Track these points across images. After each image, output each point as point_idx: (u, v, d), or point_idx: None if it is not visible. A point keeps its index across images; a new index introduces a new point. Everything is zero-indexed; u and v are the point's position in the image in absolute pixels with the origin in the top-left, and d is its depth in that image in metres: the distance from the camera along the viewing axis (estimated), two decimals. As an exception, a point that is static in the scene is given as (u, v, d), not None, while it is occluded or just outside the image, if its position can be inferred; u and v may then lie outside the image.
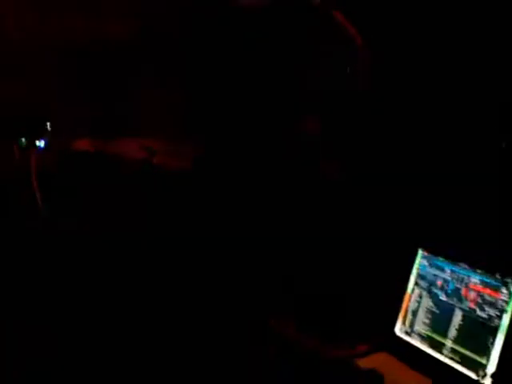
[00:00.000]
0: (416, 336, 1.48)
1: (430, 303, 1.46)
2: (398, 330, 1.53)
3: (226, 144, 0.68)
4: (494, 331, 1.28)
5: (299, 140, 0.71)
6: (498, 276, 1.31)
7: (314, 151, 0.73)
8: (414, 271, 1.52)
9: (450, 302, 1.40)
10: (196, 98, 0.73)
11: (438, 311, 1.43)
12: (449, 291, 1.41)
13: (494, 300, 1.30)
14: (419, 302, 1.49)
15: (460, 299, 1.38)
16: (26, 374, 1.07)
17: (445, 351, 1.38)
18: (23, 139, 1.78)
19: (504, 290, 1.29)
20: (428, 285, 1.47)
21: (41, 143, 1.85)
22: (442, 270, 1.44)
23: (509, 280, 1.28)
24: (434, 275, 1.46)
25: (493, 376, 1.25)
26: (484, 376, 1.26)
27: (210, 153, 0.71)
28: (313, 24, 0.73)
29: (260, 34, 0.67)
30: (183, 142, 0.73)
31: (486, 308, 1.31)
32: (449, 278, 1.42)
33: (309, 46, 0.71)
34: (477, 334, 1.32)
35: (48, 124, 1.90)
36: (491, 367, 1.26)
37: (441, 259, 1.46)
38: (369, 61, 0.81)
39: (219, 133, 0.69)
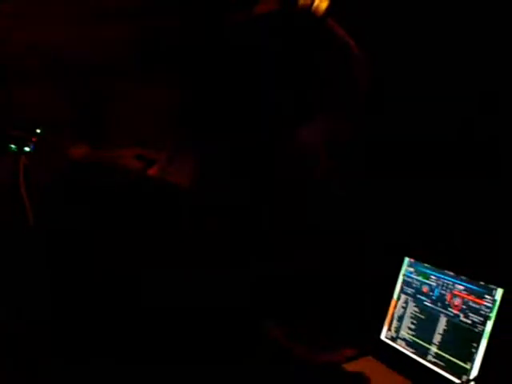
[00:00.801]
0: (401, 341, 1.50)
1: (416, 309, 1.49)
2: (384, 335, 1.56)
3: (230, 157, 0.69)
4: (478, 337, 1.31)
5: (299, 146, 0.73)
6: (482, 283, 1.34)
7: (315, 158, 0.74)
8: (400, 278, 1.55)
9: (435, 308, 1.43)
10: (198, 103, 0.74)
11: (423, 317, 1.46)
12: (434, 297, 1.45)
13: (478, 307, 1.33)
14: (405, 308, 1.52)
15: (445, 305, 1.41)
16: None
17: (429, 356, 1.41)
18: (13, 145, 1.77)
19: (488, 297, 1.32)
20: (414, 291, 1.50)
21: (29, 148, 1.85)
22: (428, 276, 1.48)
23: (493, 287, 1.32)
24: (420, 282, 1.49)
25: (475, 380, 1.28)
26: (468, 381, 1.29)
27: (212, 169, 0.72)
28: (313, 34, 0.75)
29: (268, 42, 0.69)
30: (183, 154, 0.73)
31: (470, 314, 1.34)
32: (434, 285, 1.45)
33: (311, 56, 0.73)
34: (461, 340, 1.35)
35: (38, 129, 1.90)
36: (474, 372, 1.29)
37: (426, 266, 1.49)
38: (364, 64, 0.83)
39: (223, 144, 0.70)
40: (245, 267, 0.74)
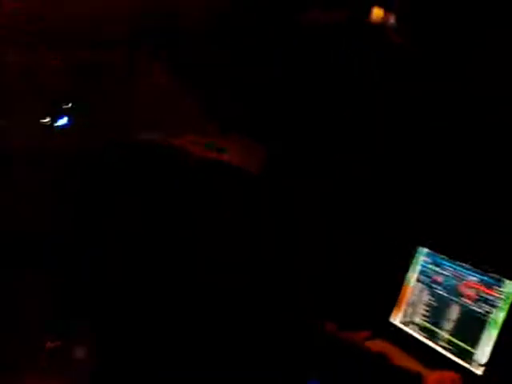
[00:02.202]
0: (414, 326, 1.59)
1: (430, 297, 1.58)
2: (398, 320, 1.65)
3: (301, 145, 0.76)
4: (488, 325, 1.40)
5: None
6: (495, 275, 1.43)
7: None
8: (417, 268, 1.64)
9: (449, 296, 1.52)
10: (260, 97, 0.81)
11: (436, 305, 1.55)
12: (447, 287, 1.53)
13: (490, 297, 1.42)
14: (419, 296, 1.61)
15: (458, 295, 1.50)
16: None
17: (441, 342, 1.50)
18: (47, 117, 1.83)
19: (499, 288, 1.41)
20: (429, 280, 1.59)
21: (63, 121, 1.90)
22: (443, 267, 1.56)
23: (506, 279, 1.40)
24: (435, 272, 1.58)
25: (485, 366, 1.37)
26: (477, 366, 1.39)
27: (285, 154, 0.78)
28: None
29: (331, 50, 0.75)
30: (252, 141, 0.79)
31: (483, 304, 1.43)
32: (448, 275, 1.54)
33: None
34: (472, 328, 1.44)
35: (70, 104, 1.95)
36: (483, 358, 1.38)
37: (442, 257, 1.57)
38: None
39: (293, 133, 0.77)
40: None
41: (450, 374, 1.32)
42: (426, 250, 1.63)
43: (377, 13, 0.80)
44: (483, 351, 1.39)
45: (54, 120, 1.89)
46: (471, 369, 1.39)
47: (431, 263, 1.60)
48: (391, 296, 1.69)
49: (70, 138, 1.74)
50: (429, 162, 1.66)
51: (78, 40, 1.80)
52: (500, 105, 1.37)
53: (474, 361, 1.40)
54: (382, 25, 0.78)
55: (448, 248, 1.57)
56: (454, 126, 1.62)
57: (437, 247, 1.60)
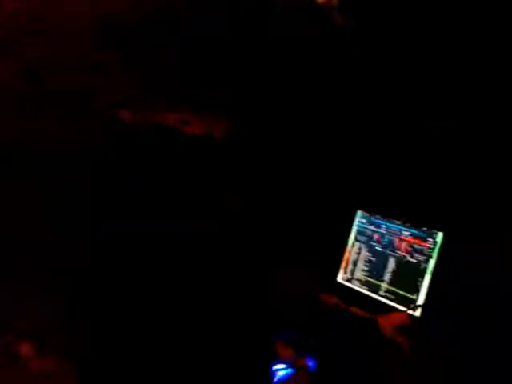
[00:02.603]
0: (356, 282, 1.77)
1: (368, 254, 1.76)
2: (340, 277, 1.82)
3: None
4: (423, 273, 1.60)
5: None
6: (424, 229, 1.62)
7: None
8: (354, 229, 1.81)
9: (386, 251, 1.71)
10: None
11: (374, 260, 1.74)
12: (384, 243, 1.72)
13: (422, 248, 1.62)
14: (358, 254, 1.78)
15: (393, 249, 1.69)
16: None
17: (381, 292, 1.69)
18: None
19: (430, 239, 1.61)
20: (366, 239, 1.77)
21: None
22: (379, 226, 1.74)
23: (434, 232, 1.60)
24: (372, 231, 1.76)
25: (421, 307, 1.57)
26: (415, 308, 1.58)
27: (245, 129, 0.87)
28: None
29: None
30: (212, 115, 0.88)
31: (416, 255, 1.63)
32: (384, 233, 1.72)
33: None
34: (408, 276, 1.63)
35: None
36: (420, 301, 1.58)
37: (377, 217, 1.75)
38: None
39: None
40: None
41: (398, 315, 1.51)
42: (362, 212, 1.80)
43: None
44: (420, 296, 1.59)
45: None
46: (411, 312, 1.59)
47: (368, 223, 1.77)
48: (337, 258, 1.86)
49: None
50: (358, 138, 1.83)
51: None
52: (442, 80, 1.54)
53: (413, 305, 1.59)
54: (325, 6, 0.89)
55: (382, 209, 1.75)
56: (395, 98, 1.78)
57: (372, 209, 1.77)
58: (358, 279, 1.77)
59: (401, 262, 1.66)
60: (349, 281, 1.80)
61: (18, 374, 1.37)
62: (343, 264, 1.82)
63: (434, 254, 1.59)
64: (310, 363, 1.40)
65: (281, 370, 1.35)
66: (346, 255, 1.82)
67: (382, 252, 1.72)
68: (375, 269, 1.73)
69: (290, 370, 1.36)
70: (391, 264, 1.69)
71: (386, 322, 1.40)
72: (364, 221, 1.79)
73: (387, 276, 1.69)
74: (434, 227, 1.61)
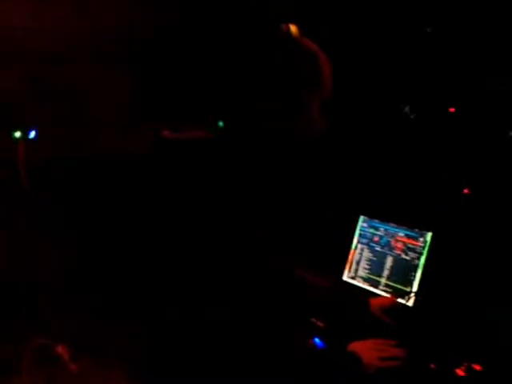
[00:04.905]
0: (359, 279, 2.01)
1: (369, 254, 2.00)
2: (345, 276, 2.06)
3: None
4: (415, 268, 1.83)
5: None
6: (416, 230, 1.86)
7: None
8: (357, 232, 2.06)
9: (384, 251, 1.95)
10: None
11: (375, 259, 1.98)
12: (382, 244, 1.96)
13: (414, 247, 1.86)
14: (361, 255, 2.03)
15: (390, 248, 1.93)
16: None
17: (381, 286, 1.93)
18: (17, 132, 1.93)
19: (421, 239, 1.84)
20: (367, 241, 2.01)
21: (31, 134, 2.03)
22: (377, 229, 1.99)
23: (424, 232, 1.84)
24: (372, 233, 2.00)
25: (414, 295, 1.80)
26: (409, 299, 1.81)
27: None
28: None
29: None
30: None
31: (409, 253, 1.86)
32: (382, 235, 1.97)
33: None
34: (403, 272, 1.87)
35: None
36: (413, 291, 1.81)
37: (376, 221, 2.00)
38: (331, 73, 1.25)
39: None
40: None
41: (388, 298, 1.74)
42: (364, 217, 2.05)
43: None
44: (413, 288, 1.82)
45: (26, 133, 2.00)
46: (405, 302, 1.82)
47: (369, 227, 2.02)
48: (342, 259, 2.10)
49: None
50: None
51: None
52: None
53: (408, 296, 1.82)
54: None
55: (380, 213, 2.00)
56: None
57: (372, 214, 2.02)
58: (360, 277, 2.01)
59: (397, 260, 1.90)
60: (353, 278, 2.04)
61: (58, 375, 1.52)
62: (347, 265, 2.06)
63: (424, 252, 1.82)
64: (318, 342, 1.62)
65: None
66: (350, 257, 2.06)
67: (381, 252, 1.96)
68: (375, 266, 1.97)
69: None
70: (389, 261, 1.92)
71: (376, 303, 1.63)
72: (365, 225, 2.04)
73: (385, 272, 1.92)
74: (425, 228, 1.85)
